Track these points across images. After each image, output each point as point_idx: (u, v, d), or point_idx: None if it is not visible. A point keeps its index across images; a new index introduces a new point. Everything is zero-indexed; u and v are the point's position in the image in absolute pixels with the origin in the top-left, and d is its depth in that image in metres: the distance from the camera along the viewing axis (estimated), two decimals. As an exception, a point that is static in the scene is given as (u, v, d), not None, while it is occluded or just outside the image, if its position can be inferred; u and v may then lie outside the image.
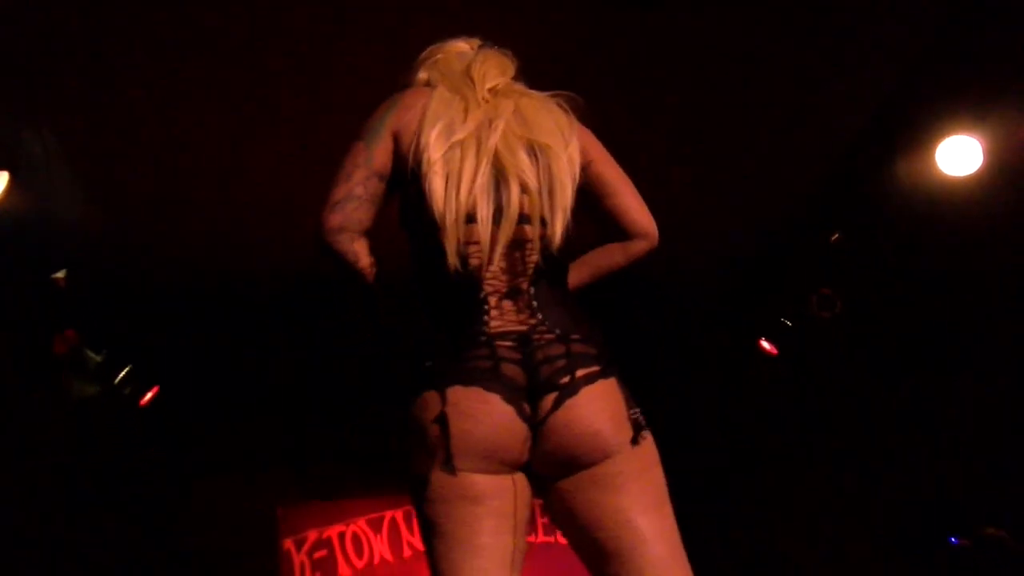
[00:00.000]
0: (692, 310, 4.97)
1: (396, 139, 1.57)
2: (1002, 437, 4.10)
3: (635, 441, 1.47)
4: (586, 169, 1.63)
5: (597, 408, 1.47)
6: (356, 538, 5.29)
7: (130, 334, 4.52)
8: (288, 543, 5.17)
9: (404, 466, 1.51)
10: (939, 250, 3.90)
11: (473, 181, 1.50)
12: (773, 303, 4.73)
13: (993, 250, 3.77)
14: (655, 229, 1.71)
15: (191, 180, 3.73)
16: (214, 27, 2.86)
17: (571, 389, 1.46)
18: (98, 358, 4.25)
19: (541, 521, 5.10)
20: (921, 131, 3.57)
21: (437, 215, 1.48)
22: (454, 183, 1.50)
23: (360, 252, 1.55)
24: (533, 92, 1.68)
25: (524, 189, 1.52)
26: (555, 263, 1.56)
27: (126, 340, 4.49)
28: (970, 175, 3.49)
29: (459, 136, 1.53)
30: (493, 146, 1.53)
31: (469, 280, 1.51)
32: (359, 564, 5.24)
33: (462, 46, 1.77)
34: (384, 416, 5.26)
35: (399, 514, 5.39)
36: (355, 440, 5.24)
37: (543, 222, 1.53)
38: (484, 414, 1.43)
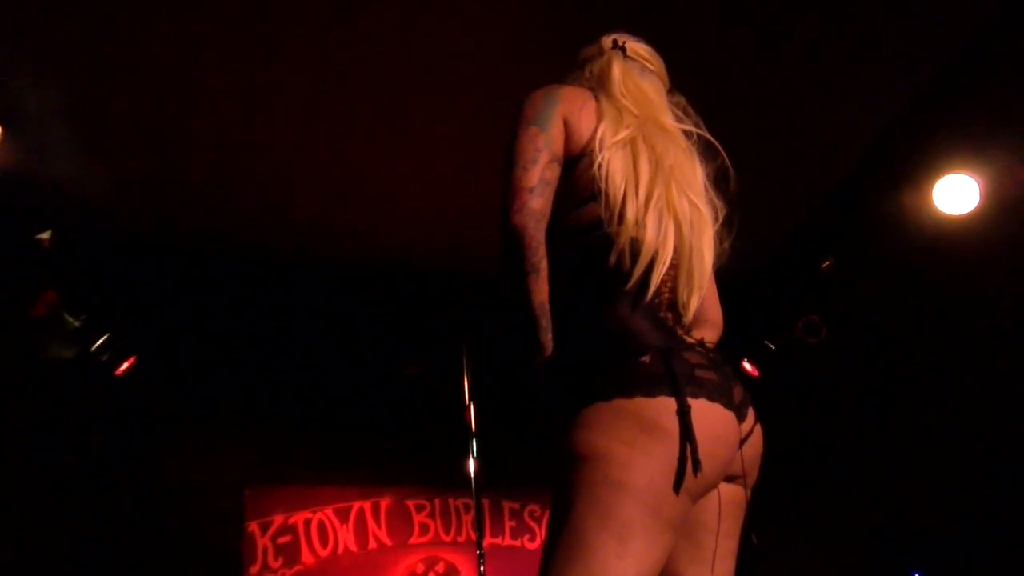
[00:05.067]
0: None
1: (567, 125, 1.50)
2: (985, 468, 4.11)
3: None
4: None
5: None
6: (322, 526, 5.25)
7: (112, 301, 4.47)
8: (253, 526, 5.12)
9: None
10: (930, 286, 3.91)
11: (651, 184, 1.46)
12: (758, 325, 4.73)
13: (984, 290, 3.78)
14: (722, 320, 1.72)
15: (191, 151, 3.69)
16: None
17: (748, 402, 1.50)
18: (76, 323, 4.19)
19: (509, 524, 5.08)
20: (919, 167, 3.59)
21: (613, 201, 1.43)
22: (632, 179, 1.46)
23: (544, 247, 1.43)
24: (680, 134, 1.63)
25: (677, 244, 1.49)
26: None
27: (107, 307, 4.44)
28: (966, 214, 3.50)
29: (624, 134, 1.48)
30: (669, 166, 1.50)
31: (640, 283, 1.44)
32: (323, 553, 5.20)
33: (606, 44, 1.72)
34: (358, 406, 5.25)
35: (367, 505, 5.35)
36: (328, 427, 5.20)
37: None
38: (726, 435, 1.38)
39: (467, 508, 5.32)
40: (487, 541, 5.01)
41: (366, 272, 4.63)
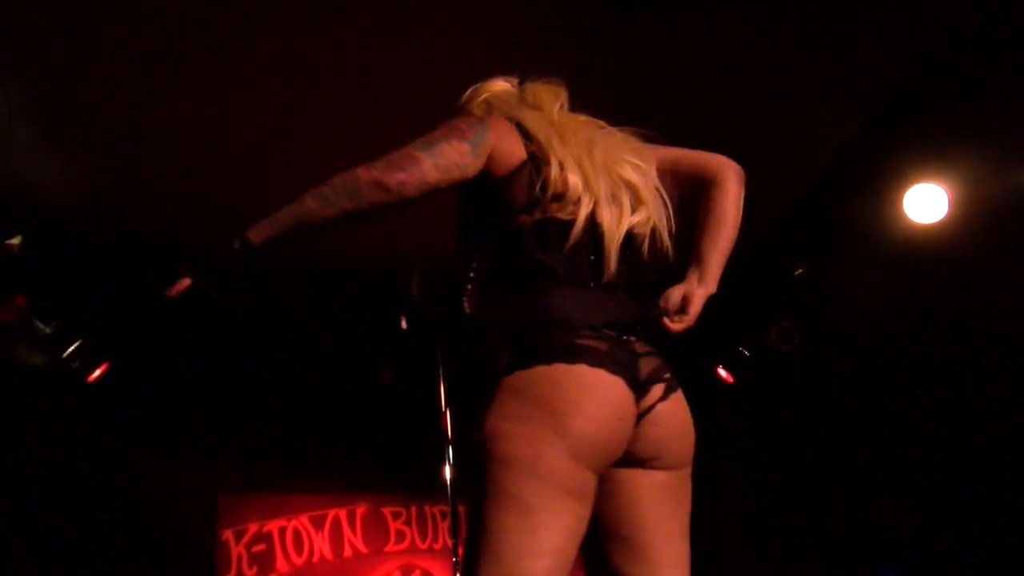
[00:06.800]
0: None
1: (492, 154, 1.54)
2: (956, 470, 4.17)
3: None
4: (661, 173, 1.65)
5: (687, 412, 1.52)
6: (297, 534, 5.22)
7: (84, 307, 4.42)
8: (227, 534, 5.08)
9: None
10: (901, 293, 3.96)
11: (598, 179, 1.51)
12: (732, 332, 4.77)
13: (953, 297, 3.83)
14: (732, 161, 1.72)
15: (164, 154, 3.66)
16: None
17: (674, 384, 1.50)
18: (47, 329, 4.14)
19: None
20: (889, 177, 3.64)
21: (571, 197, 1.48)
22: (586, 181, 1.51)
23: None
24: (600, 123, 1.69)
25: (637, 200, 1.55)
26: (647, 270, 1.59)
27: (79, 313, 4.39)
28: (935, 223, 3.55)
29: (570, 147, 1.54)
30: (601, 157, 1.55)
31: (570, 269, 1.48)
32: (298, 561, 5.17)
33: (503, 84, 1.78)
34: (334, 413, 5.22)
35: (343, 513, 5.32)
36: (303, 435, 5.18)
37: (652, 231, 1.56)
38: (614, 400, 1.38)
39: (443, 515, 5.31)
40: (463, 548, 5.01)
41: (340, 278, 4.61)
